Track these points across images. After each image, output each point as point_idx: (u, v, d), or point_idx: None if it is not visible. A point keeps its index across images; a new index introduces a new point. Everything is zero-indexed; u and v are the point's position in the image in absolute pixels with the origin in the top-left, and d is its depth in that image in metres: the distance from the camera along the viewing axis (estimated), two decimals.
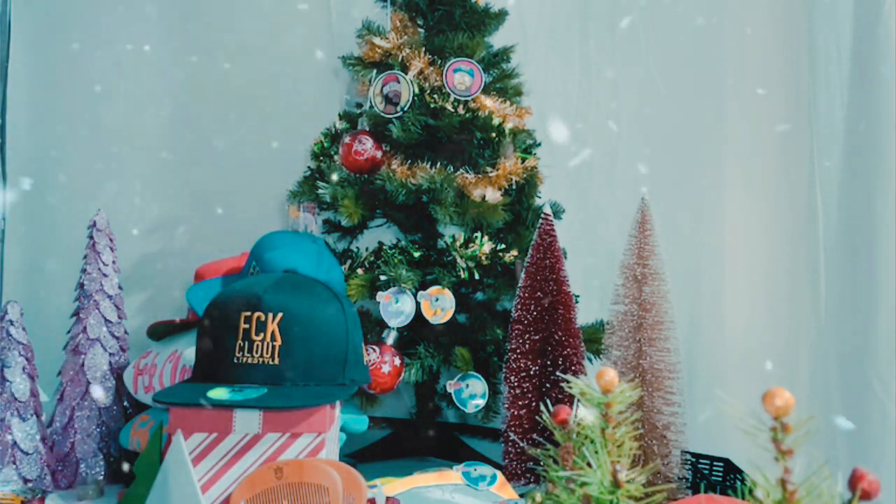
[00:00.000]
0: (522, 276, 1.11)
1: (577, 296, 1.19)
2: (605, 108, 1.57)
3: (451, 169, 1.23)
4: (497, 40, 1.36)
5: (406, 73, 1.26)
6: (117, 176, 1.51)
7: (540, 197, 1.31)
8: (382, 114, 1.25)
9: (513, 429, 1.09)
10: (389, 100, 1.25)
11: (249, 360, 0.85)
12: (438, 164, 1.23)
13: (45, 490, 1.03)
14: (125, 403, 1.15)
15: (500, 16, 1.34)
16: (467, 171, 1.24)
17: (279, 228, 1.42)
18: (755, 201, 1.52)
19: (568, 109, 1.56)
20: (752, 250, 1.52)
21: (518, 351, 1.09)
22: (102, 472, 1.10)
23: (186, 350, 1.04)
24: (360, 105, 1.37)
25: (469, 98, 1.24)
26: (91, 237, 1.16)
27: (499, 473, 0.98)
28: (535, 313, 1.10)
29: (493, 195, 1.23)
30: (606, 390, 0.59)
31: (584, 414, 0.55)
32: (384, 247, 1.29)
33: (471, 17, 1.31)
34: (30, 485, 1.02)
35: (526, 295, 1.10)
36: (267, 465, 0.81)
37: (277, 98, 1.53)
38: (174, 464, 0.80)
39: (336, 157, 1.28)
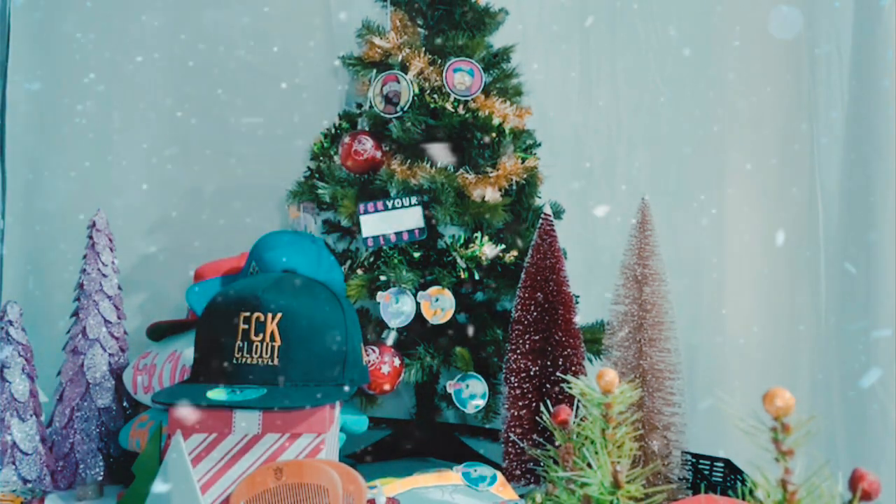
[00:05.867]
0: (523, 276, 1.11)
1: (577, 296, 1.19)
2: (605, 107, 1.57)
3: (452, 169, 1.23)
4: (497, 40, 1.36)
5: (406, 73, 1.26)
6: (117, 176, 1.51)
7: (540, 197, 1.31)
8: (382, 114, 1.25)
9: (513, 429, 1.09)
10: (389, 100, 1.25)
11: (249, 361, 0.85)
12: (438, 164, 1.23)
13: (44, 490, 1.03)
14: (125, 403, 1.15)
15: (500, 16, 1.34)
16: (467, 171, 1.24)
17: (279, 228, 1.42)
18: (755, 201, 1.52)
19: (568, 109, 1.56)
20: (752, 250, 1.52)
21: (518, 351, 1.09)
22: (102, 473, 1.09)
23: (186, 350, 1.04)
24: (360, 105, 1.37)
25: (469, 98, 1.24)
26: (91, 237, 1.16)
27: (499, 474, 0.98)
28: (535, 313, 1.10)
29: (493, 195, 1.23)
30: (607, 391, 0.59)
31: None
32: (384, 247, 1.29)
33: (471, 16, 1.31)
34: (30, 485, 1.02)
35: (526, 295, 1.10)
36: (267, 466, 0.81)
37: (277, 98, 1.53)
38: (174, 464, 0.80)
39: (336, 157, 1.28)
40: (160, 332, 1.17)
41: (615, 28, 1.57)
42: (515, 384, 1.09)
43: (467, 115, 1.23)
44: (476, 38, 1.28)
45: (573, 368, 1.08)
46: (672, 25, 1.55)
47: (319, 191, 1.25)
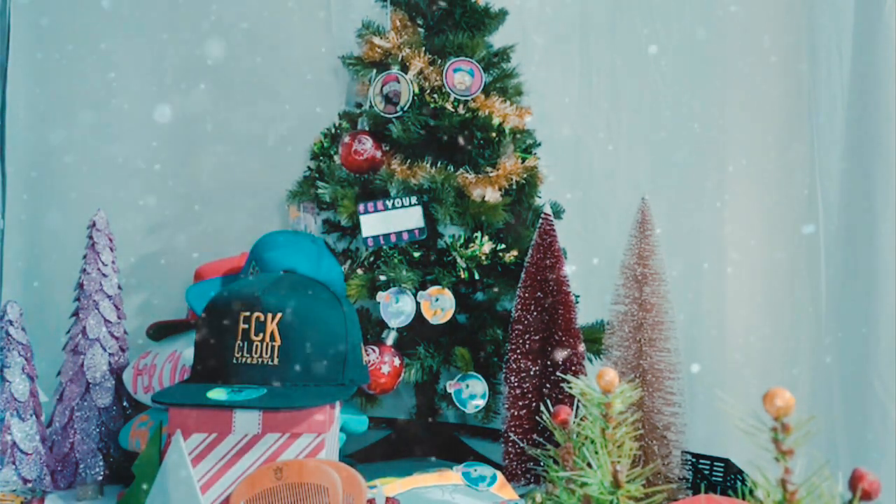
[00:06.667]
0: (522, 276, 1.11)
1: (578, 296, 1.19)
2: (605, 108, 1.57)
3: (452, 169, 1.23)
4: (497, 40, 1.36)
5: (406, 73, 1.26)
6: (117, 176, 1.51)
7: (540, 197, 1.31)
8: (382, 114, 1.25)
9: (513, 429, 1.09)
10: (389, 100, 1.25)
11: (249, 361, 0.85)
12: (438, 164, 1.23)
13: (44, 490, 1.03)
14: (125, 403, 1.15)
15: (500, 16, 1.34)
16: (467, 171, 1.24)
17: (279, 228, 1.42)
18: (755, 201, 1.52)
19: (568, 109, 1.56)
20: (752, 250, 1.52)
21: (518, 351, 1.09)
22: (102, 472, 1.09)
23: (186, 350, 1.04)
24: (360, 105, 1.37)
25: (469, 98, 1.24)
26: (91, 237, 1.16)
27: (499, 474, 0.98)
28: (535, 313, 1.10)
29: (493, 195, 1.23)
30: (607, 390, 0.59)
31: None
32: (384, 247, 1.29)
33: (471, 16, 1.31)
34: (30, 485, 1.02)
35: (526, 295, 1.10)
36: (267, 466, 0.81)
37: (277, 98, 1.53)
38: (174, 464, 0.80)
39: (336, 157, 1.28)
40: (160, 332, 1.17)
41: (615, 28, 1.57)
42: (515, 384, 1.09)
43: (467, 115, 1.23)
44: (476, 38, 1.28)
45: (573, 368, 1.08)
46: (672, 25, 1.55)
47: (319, 191, 1.25)
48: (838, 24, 1.45)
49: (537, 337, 1.09)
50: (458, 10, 1.30)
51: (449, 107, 1.23)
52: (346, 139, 1.24)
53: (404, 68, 1.27)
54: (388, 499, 0.89)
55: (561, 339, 1.09)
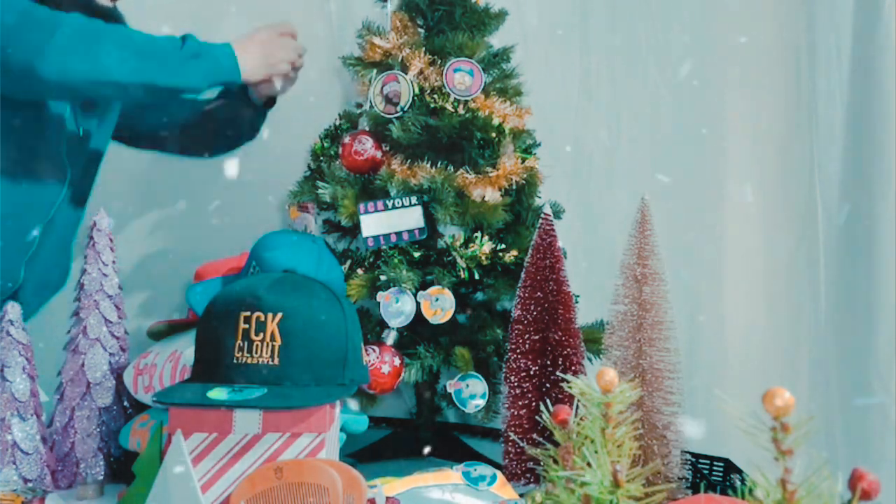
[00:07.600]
0: (522, 275, 1.11)
1: (577, 296, 1.19)
2: (605, 108, 1.57)
3: (451, 169, 1.23)
4: (497, 40, 1.36)
5: (406, 73, 1.26)
6: (118, 175, 1.51)
7: (540, 197, 1.31)
8: (382, 114, 1.25)
9: (513, 429, 1.09)
10: (389, 100, 1.25)
11: (249, 360, 0.85)
12: (438, 164, 1.23)
13: (45, 490, 1.03)
14: (125, 403, 1.15)
15: (500, 16, 1.34)
16: (467, 172, 1.24)
17: (279, 228, 1.42)
18: (755, 201, 1.53)
19: (568, 109, 1.56)
20: (752, 250, 1.52)
21: (518, 351, 1.09)
22: (102, 472, 1.09)
23: (186, 350, 1.04)
24: (360, 105, 1.37)
25: (469, 98, 1.24)
26: (91, 237, 1.16)
27: (499, 473, 0.98)
28: (535, 313, 1.10)
29: (493, 195, 1.23)
30: (606, 390, 0.59)
31: None
32: (384, 247, 1.29)
33: (471, 17, 1.31)
34: (30, 485, 1.02)
35: (526, 295, 1.10)
36: (267, 465, 0.81)
37: (278, 98, 1.53)
38: (174, 463, 0.80)
39: (336, 158, 1.28)
40: (161, 332, 1.17)
41: (615, 28, 1.57)
42: (515, 383, 1.09)
43: (467, 115, 1.23)
44: (476, 39, 1.29)
45: (573, 368, 1.08)
46: (672, 25, 1.55)
47: (319, 191, 1.25)
48: (838, 24, 1.45)
49: (537, 337, 1.09)
50: (458, 10, 1.30)
51: (449, 107, 1.23)
52: (346, 139, 1.25)
53: (404, 68, 1.27)
54: (388, 499, 0.89)
55: (561, 338, 1.09)
